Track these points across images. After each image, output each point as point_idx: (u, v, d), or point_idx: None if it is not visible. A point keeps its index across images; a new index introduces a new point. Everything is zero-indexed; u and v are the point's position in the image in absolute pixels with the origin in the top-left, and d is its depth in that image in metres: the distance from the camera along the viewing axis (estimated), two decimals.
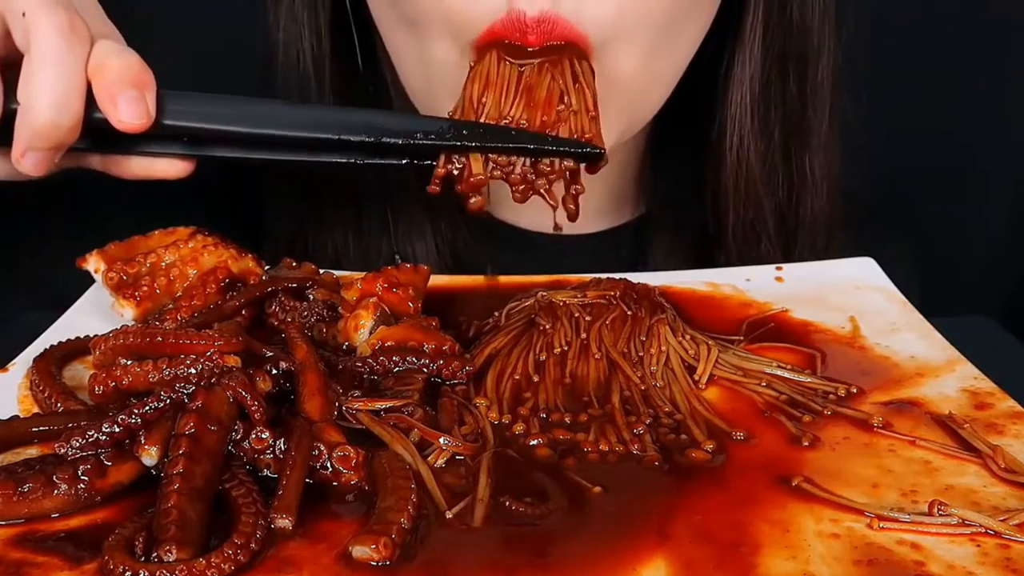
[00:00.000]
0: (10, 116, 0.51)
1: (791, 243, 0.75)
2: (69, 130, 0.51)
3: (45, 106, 0.49)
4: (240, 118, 0.55)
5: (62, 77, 0.49)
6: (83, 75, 0.51)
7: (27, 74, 0.50)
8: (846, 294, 0.61)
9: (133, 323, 0.56)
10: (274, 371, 0.47)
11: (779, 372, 0.52)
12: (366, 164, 0.57)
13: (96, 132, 0.53)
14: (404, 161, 0.57)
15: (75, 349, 0.53)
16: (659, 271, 0.68)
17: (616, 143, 0.66)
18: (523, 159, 0.56)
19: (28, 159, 0.51)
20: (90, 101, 0.51)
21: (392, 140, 0.55)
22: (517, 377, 0.51)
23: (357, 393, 0.48)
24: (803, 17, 0.70)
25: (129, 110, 0.51)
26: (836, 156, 0.75)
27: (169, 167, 0.56)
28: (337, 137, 0.55)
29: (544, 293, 0.58)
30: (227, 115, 0.55)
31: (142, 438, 0.42)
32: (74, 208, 0.71)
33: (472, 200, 0.56)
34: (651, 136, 0.79)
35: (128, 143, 0.55)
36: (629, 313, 0.56)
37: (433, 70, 0.62)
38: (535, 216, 0.79)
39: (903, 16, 1.06)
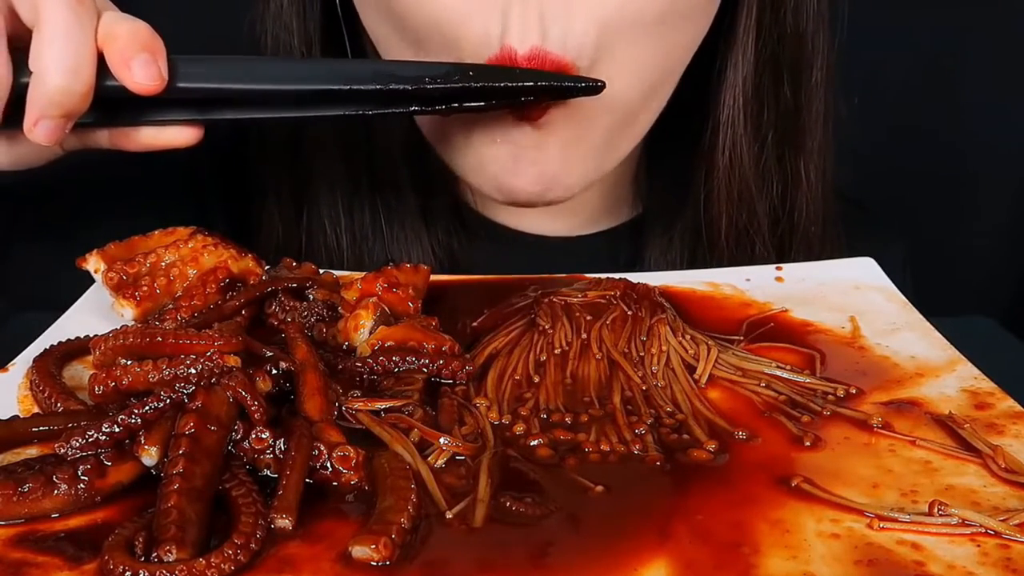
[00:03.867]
0: (19, 95, 0.52)
1: (785, 245, 0.75)
2: (82, 97, 0.52)
3: (58, 73, 0.50)
4: (250, 76, 0.56)
5: (73, 45, 0.50)
6: (93, 43, 0.52)
7: (38, 46, 0.51)
8: (846, 294, 0.61)
9: (133, 323, 0.56)
10: (274, 371, 0.47)
11: (778, 372, 0.52)
12: (375, 114, 0.58)
13: (106, 103, 0.54)
14: (412, 108, 0.58)
15: (75, 349, 0.53)
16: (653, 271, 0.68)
17: (611, 163, 0.66)
18: None
19: (41, 127, 0.52)
20: (100, 72, 0.52)
21: (401, 86, 0.56)
22: (517, 377, 0.51)
23: (357, 393, 0.48)
24: (796, 20, 0.70)
25: (143, 72, 0.52)
26: (831, 158, 0.75)
27: (178, 134, 0.57)
28: (348, 87, 0.56)
29: (543, 290, 0.59)
30: (237, 74, 0.56)
31: (142, 438, 0.42)
32: (70, 209, 0.71)
33: None
34: (647, 137, 0.79)
35: (136, 113, 0.56)
36: (629, 313, 0.56)
37: None
38: (531, 218, 0.79)
39: (899, 16, 1.06)
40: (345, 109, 0.58)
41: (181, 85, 0.54)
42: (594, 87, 0.58)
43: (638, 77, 0.62)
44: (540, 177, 0.62)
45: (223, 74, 0.56)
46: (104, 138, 0.58)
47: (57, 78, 0.50)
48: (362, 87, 0.56)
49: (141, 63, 0.52)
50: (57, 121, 0.52)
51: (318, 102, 0.58)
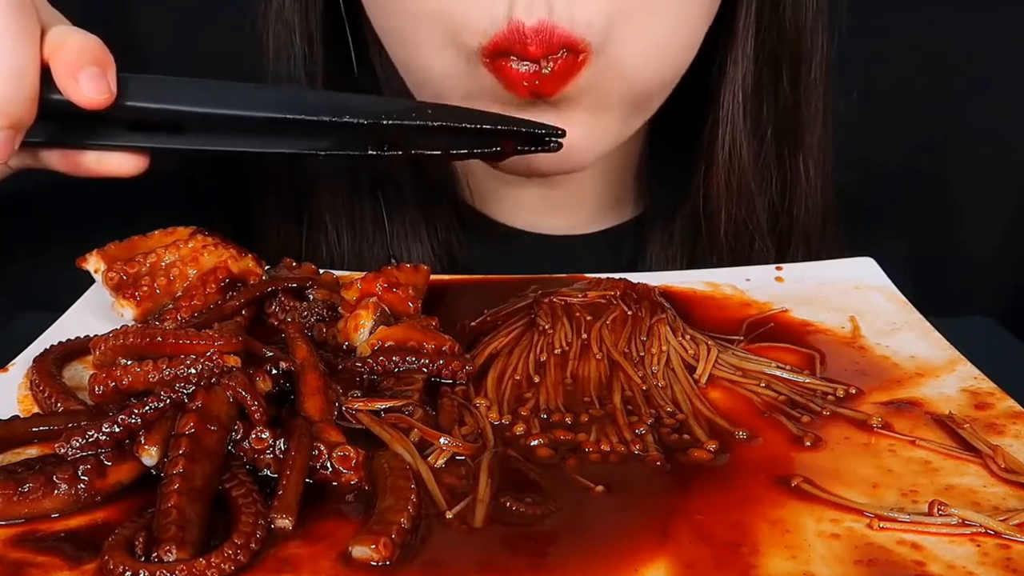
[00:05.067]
0: None
1: (784, 242, 0.75)
2: (27, 105, 0.50)
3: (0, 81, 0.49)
4: (199, 98, 0.54)
5: (15, 52, 0.49)
6: (37, 51, 0.50)
7: None
8: (846, 294, 0.61)
9: (133, 323, 0.56)
10: (274, 371, 0.47)
11: (778, 372, 0.52)
12: (330, 155, 0.56)
13: (52, 119, 0.52)
14: (371, 152, 0.56)
15: (75, 349, 0.53)
16: (653, 270, 0.68)
17: (618, 138, 0.66)
18: None
19: None
20: (47, 86, 0.51)
21: (356, 120, 0.54)
22: (518, 377, 0.51)
23: (357, 393, 0.48)
24: (796, 16, 0.70)
25: (91, 85, 0.51)
26: (830, 155, 0.75)
27: (123, 162, 0.56)
28: (300, 117, 0.54)
29: (543, 290, 0.59)
30: (186, 95, 0.54)
31: (142, 438, 0.42)
32: (70, 209, 0.71)
33: None
34: (649, 136, 0.79)
35: (83, 134, 0.55)
36: (629, 313, 0.56)
37: (437, 79, 0.62)
38: (531, 217, 0.79)
39: (900, 15, 1.06)
40: (299, 147, 0.56)
41: (129, 104, 0.52)
42: (555, 133, 0.58)
43: (652, 57, 0.62)
44: (561, 153, 0.62)
45: (172, 94, 0.54)
46: (55, 159, 0.57)
47: (0, 86, 0.49)
48: (314, 118, 0.54)
49: (89, 76, 0.51)
50: (5, 132, 0.50)
51: (269, 133, 0.56)
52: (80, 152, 0.56)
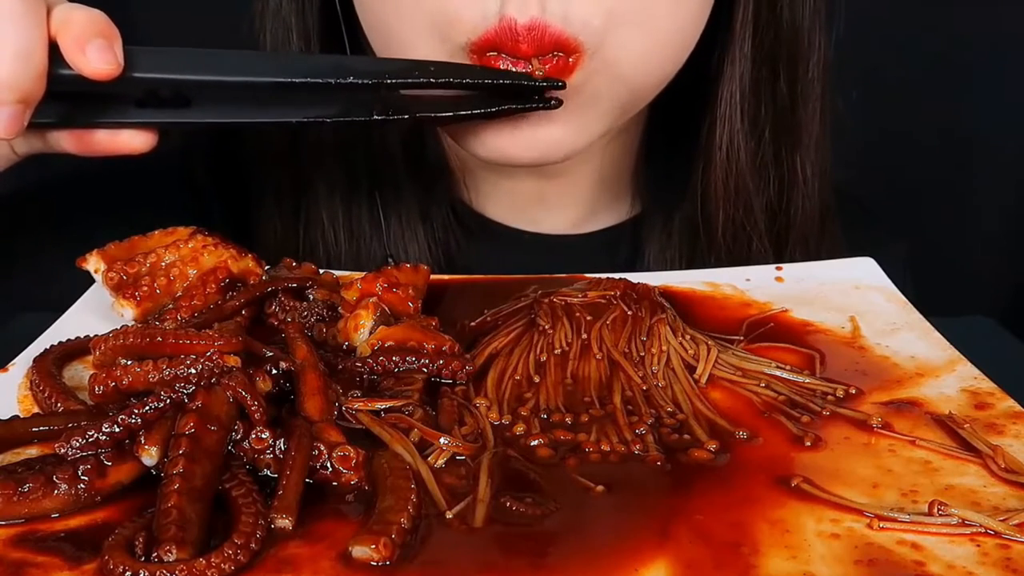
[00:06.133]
0: None
1: (782, 242, 0.75)
2: (35, 80, 0.50)
3: (8, 56, 0.49)
4: (206, 66, 0.54)
5: (22, 29, 0.50)
6: (44, 28, 0.51)
7: None
8: (846, 294, 0.61)
9: (133, 323, 0.56)
10: (274, 371, 0.47)
11: (778, 372, 0.52)
12: (336, 122, 0.57)
13: (61, 98, 0.53)
14: (377, 117, 0.56)
15: (75, 349, 0.53)
16: (651, 270, 0.68)
17: (601, 135, 0.66)
18: None
19: None
20: (55, 62, 0.51)
21: (360, 80, 0.55)
22: (518, 377, 0.51)
23: (357, 393, 0.48)
24: (793, 16, 0.70)
25: (99, 56, 0.51)
26: (827, 155, 0.75)
27: (133, 138, 0.56)
28: (304, 80, 0.54)
29: (543, 290, 0.59)
30: (193, 64, 0.54)
31: (142, 438, 0.42)
32: (70, 209, 0.71)
33: None
34: (645, 135, 0.79)
35: (92, 112, 0.55)
36: (629, 313, 0.56)
37: None
38: (529, 216, 0.79)
39: (899, 14, 1.06)
40: (305, 114, 0.56)
41: (136, 75, 0.53)
42: (555, 86, 0.58)
43: (649, 58, 0.62)
44: (541, 143, 0.62)
45: (178, 64, 0.54)
46: (58, 141, 0.57)
47: (7, 61, 0.49)
48: (318, 80, 0.54)
49: (96, 47, 0.51)
50: (14, 107, 0.50)
51: (276, 99, 0.56)
52: (91, 131, 0.56)
